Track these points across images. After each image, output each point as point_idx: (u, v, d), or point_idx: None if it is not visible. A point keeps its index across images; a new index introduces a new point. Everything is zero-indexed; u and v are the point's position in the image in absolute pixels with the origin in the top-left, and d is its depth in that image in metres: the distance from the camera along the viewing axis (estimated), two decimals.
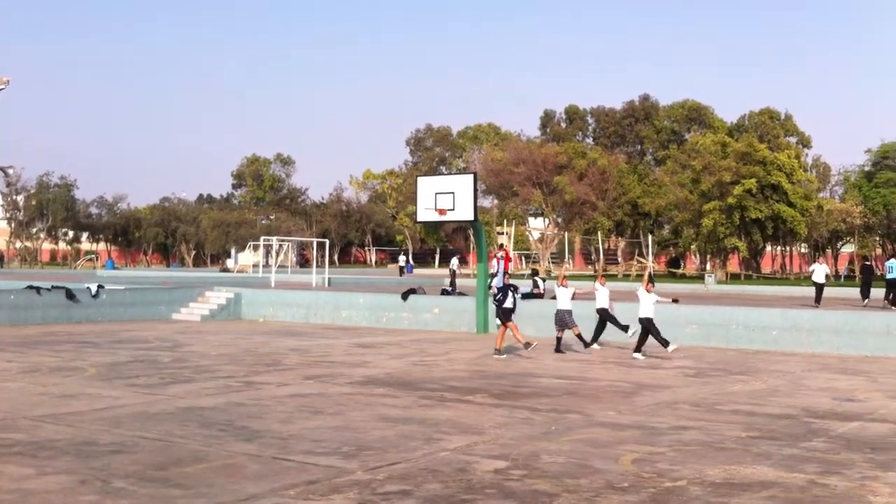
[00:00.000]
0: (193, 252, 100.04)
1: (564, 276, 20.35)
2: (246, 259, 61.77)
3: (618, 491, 7.85)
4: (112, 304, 28.90)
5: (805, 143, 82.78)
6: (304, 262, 78.94)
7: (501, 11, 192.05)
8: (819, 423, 11.52)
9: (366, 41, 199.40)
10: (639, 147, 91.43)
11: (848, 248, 77.70)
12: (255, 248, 59.59)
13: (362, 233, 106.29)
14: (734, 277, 60.13)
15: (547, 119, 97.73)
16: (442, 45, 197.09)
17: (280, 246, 56.61)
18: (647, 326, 18.67)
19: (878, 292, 29.63)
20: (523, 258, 76.51)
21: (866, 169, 64.86)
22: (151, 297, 30.60)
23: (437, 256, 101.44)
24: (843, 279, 58.63)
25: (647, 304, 18.64)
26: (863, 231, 68.21)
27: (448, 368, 17.02)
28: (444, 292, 30.33)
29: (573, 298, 20.07)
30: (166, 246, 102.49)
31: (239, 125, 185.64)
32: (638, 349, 18.82)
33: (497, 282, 25.65)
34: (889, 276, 27.88)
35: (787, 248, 74.30)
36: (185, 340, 22.08)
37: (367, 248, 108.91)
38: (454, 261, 36.94)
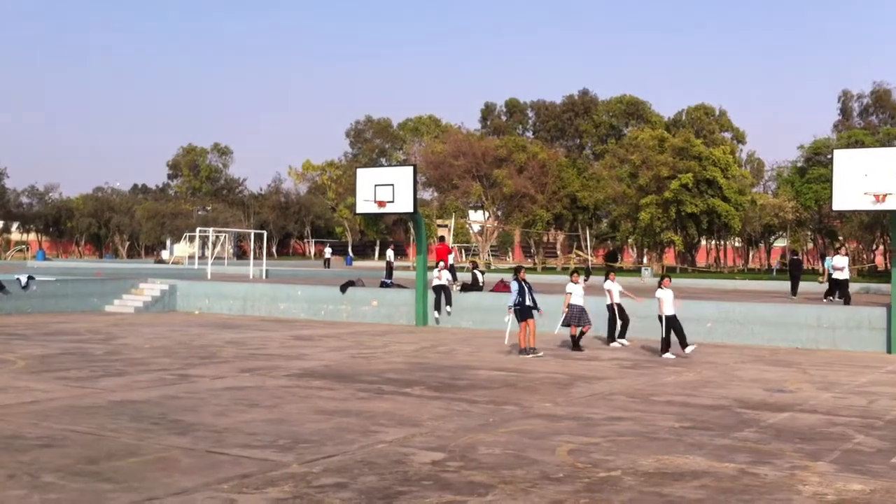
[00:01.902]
0: (127, 243, 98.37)
1: (577, 273, 19.76)
2: (181, 250, 60.96)
3: (553, 481, 7.90)
4: (43, 295, 28.27)
5: (740, 138, 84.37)
6: (241, 254, 78.16)
7: (442, 3, 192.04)
8: (750, 413, 11.73)
9: (305, 30, 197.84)
10: (578, 141, 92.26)
11: (780, 243, 79.36)
12: (191, 239, 58.78)
13: (301, 224, 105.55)
14: (670, 271, 61.02)
15: (487, 112, 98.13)
16: (382, 36, 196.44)
17: (217, 237, 55.94)
18: (671, 324, 18.21)
19: (806, 286, 30.33)
20: (464, 251, 76.73)
21: (799, 165, 66.23)
22: (83, 288, 30.00)
23: (377, 248, 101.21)
24: (775, 273, 59.91)
25: (669, 301, 18.25)
26: (795, 226, 69.68)
27: (386, 361, 16.98)
28: (384, 284, 30.25)
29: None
30: (99, 237, 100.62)
31: (175, 114, 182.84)
32: (684, 345, 18.22)
33: (445, 274, 25.66)
34: (832, 272, 28.58)
35: (722, 242, 75.62)
36: (118, 333, 21.69)
37: (306, 240, 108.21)
38: (390, 252, 36.93)
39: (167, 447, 9.07)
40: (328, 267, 58.59)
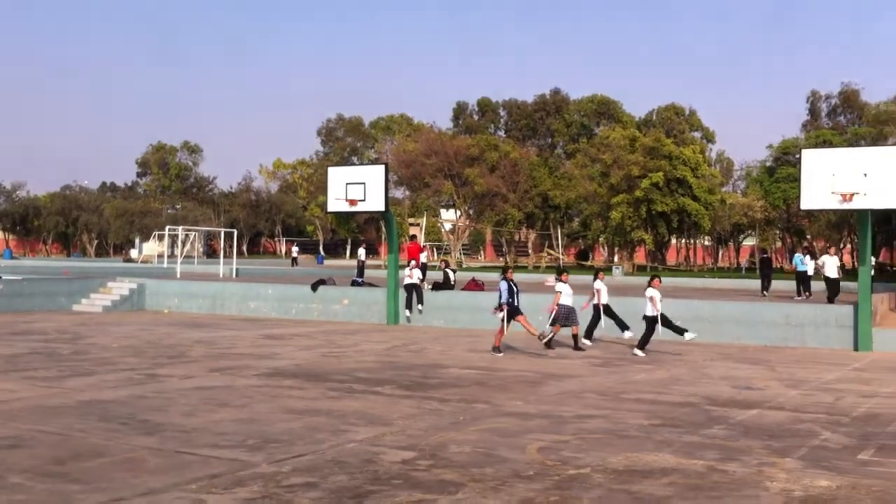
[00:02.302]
0: (96, 242, 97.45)
1: (566, 272, 19.62)
2: (150, 249, 60.42)
3: (523, 479, 7.92)
4: (9, 294, 27.92)
5: (709, 138, 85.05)
6: (211, 253, 77.69)
7: (414, 2, 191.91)
8: (719, 410, 11.82)
9: (277, 28, 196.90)
10: (549, 140, 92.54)
11: (749, 241, 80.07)
12: (161, 237, 58.30)
13: (272, 223, 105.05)
14: (640, 269, 61.37)
15: (459, 111, 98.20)
16: (355, 34, 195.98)
17: (186, 236, 55.56)
18: (653, 322, 18.21)
19: (777, 284, 30.60)
20: (435, 249, 76.73)
21: (767, 164, 66.85)
22: (51, 287, 29.68)
23: (349, 247, 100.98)
24: (744, 271, 60.42)
25: (658, 300, 18.23)
26: (764, 225, 70.34)
27: (357, 360, 16.93)
28: (355, 283, 30.17)
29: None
30: (67, 235, 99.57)
31: (144, 112, 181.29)
32: (641, 346, 18.37)
33: (417, 273, 25.63)
34: (800, 269, 28.84)
35: (692, 241, 76.18)
36: (85, 332, 21.47)
37: (276, 239, 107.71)
38: (361, 251, 36.80)
39: (135, 447, 8.99)
40: (295, 265, 58.31)
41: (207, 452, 8.80)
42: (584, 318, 19.90)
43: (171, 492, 7.36)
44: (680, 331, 18.62)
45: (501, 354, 17.85)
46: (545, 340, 18.82)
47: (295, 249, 67.81)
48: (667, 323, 18.61)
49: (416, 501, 7.20)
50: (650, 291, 18.36)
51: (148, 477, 7.83)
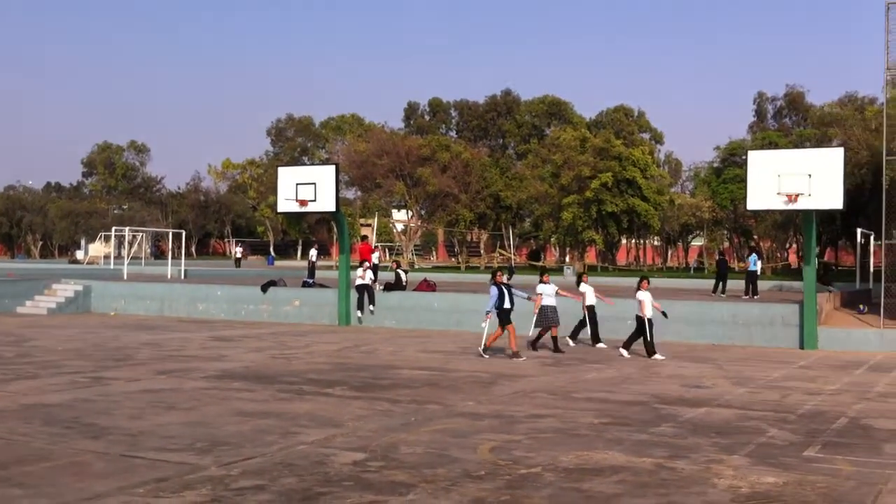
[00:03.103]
0: (40, 243, 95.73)
1: (546, 273, 19.55)
2: (97, 250, 59.54)
3: (474, 479, 7.91)
4: None
5: (658, 139, 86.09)
6: (159, 254, 76.66)
7: (364, 1, 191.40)
8: (668, 409, 11.94)
9: (226, 26, 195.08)
10: (501, 141, 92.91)
11: (697, 242, 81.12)
12: (107, 238, 57.44)
13: (221, 224, 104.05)
14: (591, 269, 61.82)
15: (411, 111, 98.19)
16: (304, 33, 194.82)
17: (133, 237, 54.80)
18: (647, 326, 18.05)
19: (733, 283, 31.04)
20: (387, 250, 76.58)
21: (715, 165, 67.79)
22: None
23: (300, 248, 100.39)
24: (692, 271, 61.20)
25: (649, 303, 18.14)
26: (711, 225, 71.32)
27: (308, 361, 16.82)
28: (306, 284, 29.99)
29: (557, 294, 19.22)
30: (11, 236, 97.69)
31: (90, 110, 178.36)
32: (627, 346, 18.33)
33: (369, 274, 25.56)
34: (750, 268, 29.28)
35: (641, 241, 76.96)
36: (30, 335, 21.06)
37: (226, 240, 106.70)
38: (313, 252, 36.51)
39: (80, 451, 8.83)
40: (239, 266, 57.55)
41: (154, 456, 8.67)
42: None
43: (118, 496, 7.24)
44: (651, 350, 18.26)
45: (487, 357, 17.52)
46: (531, 341, 18.91)
47: (238, 250, 66.96)
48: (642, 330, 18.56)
49: (367, 503, 7.16)
50: (640, 294, 18.22)
51: (93, 481, 7.69)
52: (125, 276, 35.44)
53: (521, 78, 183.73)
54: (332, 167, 25.08)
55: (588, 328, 20.18)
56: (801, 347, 20.43)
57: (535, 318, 18.95)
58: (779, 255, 68.05)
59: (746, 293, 28.21)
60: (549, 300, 18.83)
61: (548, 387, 13.85)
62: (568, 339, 20.24)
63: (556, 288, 19.38)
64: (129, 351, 18.04)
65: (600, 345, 19.94)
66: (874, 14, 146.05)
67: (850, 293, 29.55)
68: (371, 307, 25.07)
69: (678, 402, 12.48)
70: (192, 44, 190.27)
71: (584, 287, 20.16)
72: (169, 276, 37.49)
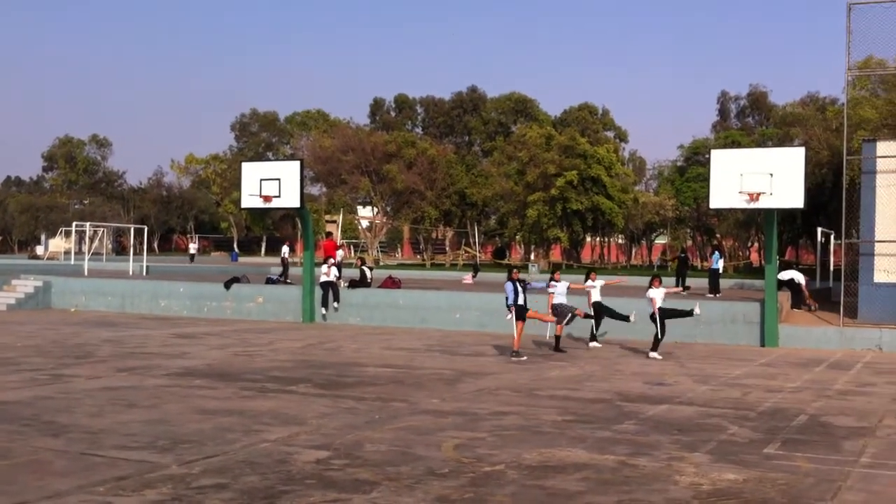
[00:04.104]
0: (0, 238, 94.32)
1: (558, 271, 19.22)
2: (57, 246, 58.77)
3: (438, 477, 7.91)
4: None
5: (622, 137, 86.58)
6: (120, 250, 75.81)
7: None
8: (631, 406, 12.01)
9: (189, 19, 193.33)
10: (467, 138, 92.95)
11: (661, 240, 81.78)
12: (68, 234, 56.71)
13: (184, 219, 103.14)
14: (556, 267, 62.05)
15: (376, 107, 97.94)
16: (269, 27, 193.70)
17: (94, 232, 54.16)
18: (654, 319, 18.02)
19: (693, 281, 31.31)
20: (352, 247, 76.38)
21: (679, 164, 68.36)
22: None
23: (264, 244, 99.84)
24: (656, 269, 61.65)
25: (661, 300, 18.09)
26: (675, 223, 71.93)
27: (271, 358, 16.72)
28: (269, 281, 29.78)
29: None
30: None
31: (51, 104, 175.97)
32: (654, 348, 18.05)
33: (333, 271, 25.41)
34: (714, 267, 29.55)
35: (606, 239, 77.39)
36: None
37: (189, 236, 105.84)
38: (285, 249, 36.09)
39: (39, 449, 8.72)
40: (192, 262, 56.83)
41: (115, 454, 8.58)
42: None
43: (77, 494, 7.15)
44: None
45: (525, 358, 17.18)
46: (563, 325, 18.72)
47: (193, 246, 66.22)
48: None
49: (330, 501, 7.13)
50: (651, 292, 18.14)
51: (53, 479, 7.60)
52: (86, 272, 35.05)
53: (487, 75, 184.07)
54: (297, 163, 24.92)
55: (593, 324, 19.94)
56: (763, 345, 20.65)
57: (552, 319, 18.52)
58: (741, 253, 68.77)
59: (710, 291, 28.46)
60: (560, 298, 18.59)
61: (512, 384, 13.88)
62: (592, 343, 19.79)
63: (568, 284, 19.17)
64: (90, 348, 17.83)
65: (594, 343, 19.74)
66: (836, 15, 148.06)
67: (811, 291, 29.87)
68: (335, 304, 24.98)
69: (641, 400, 12.56)
70: (156, 37, 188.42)
71: (590, 284, 19.95)
72: (130, 273, 37.12)
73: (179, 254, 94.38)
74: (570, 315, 18.81)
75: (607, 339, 20.61)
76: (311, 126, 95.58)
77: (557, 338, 18.88)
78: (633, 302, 21.10)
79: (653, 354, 17.88)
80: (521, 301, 17.46)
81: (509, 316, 17.57)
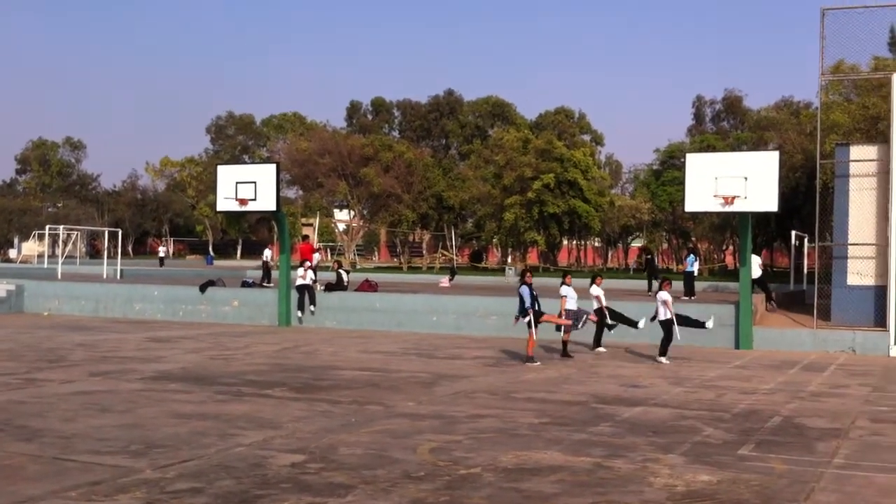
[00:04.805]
0: None
1: (569, 275, 19.05)
2: (30, 249, 58.28)
3: (414, 480, 7.90)
4: None
5: (599, 141, 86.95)
6: (94, 253, 75.33)
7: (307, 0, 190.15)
8: (607, 408, 12.05)
9: (164, 21, 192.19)
10: (444, 141, 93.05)
11: (637, 243, 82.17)
12: (41, 237, 56.22)
13: (159, 223, 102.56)
14: (533, 270, 62.14)
15: (353, 110, 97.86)
16: (246, 29, 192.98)
17: (68, 235, 53.77)
18: (669, 327, 17.88)
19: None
20: (329, 250, 76.21)
21: (654, 167, 68.69)
22: None
23: (240, 248, 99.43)
24: (632, 272, 61.98)
25: (670, 304, 17.91)
26: (651, 226, 72.28)
27: (246, 362, 16.64)
28: (245, 284, 29.64)
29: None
30: None
31: (24, 106, 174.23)
32: (663, 353, 17.93)
33: (310, 274, 25.33)
34: (689, 269, 29.69)
35: (582, 242, 77.66)
36: None
37: (164, 239, 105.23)
38: (267, 252, 35.78)
39: (12, 454, 8.64)
40: (162, 266, 56.30)
41: (88, 459, 8.51)
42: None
43: (50, 499, 7.10)
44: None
45: (538, 363, 16.99)
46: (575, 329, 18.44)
47: (162, 249, 65.68)
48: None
49: None
50: (662, 295, 18.02)
51: (26, 484, 7.53)
52: (59, 276, 34.74)
53: (464, 79, 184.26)
54: (273, 166, 24.84)
55: (598, 328, 19.81)
56: (737, 347, 20.79)
57: (563, 324, 18.14)
58: (716, 256, 69.21)
59: (685, 294, 28.61)
60: (571, 303, 18.31)
61: (488, 387, 13.90)
62: (598, 349, 19.70)
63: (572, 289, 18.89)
64: (63, 352, 17.67)
65: (600, 349, 19.63)
66: (810, 21, 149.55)
67: (785, 294, 30.15)
68: (312, 308, 24.91)
69: (616, 402, 12.60)
70: (131, 39, 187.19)
71: (595, 290, 19.75)
72: (104, 276, 36.85)
73: (154, 257, 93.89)
74: (584, 318, 18.66)
75: (613, 343, 20.43)
76: (287, 129, 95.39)
77: (565, 343, 18.56)
78: (645, 307, 20.99)
79: (660, 359, 17.81)
80: (536, 306, 17.19)
81: (525, 320, 17.15)
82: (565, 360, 18.02)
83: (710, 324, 18.89)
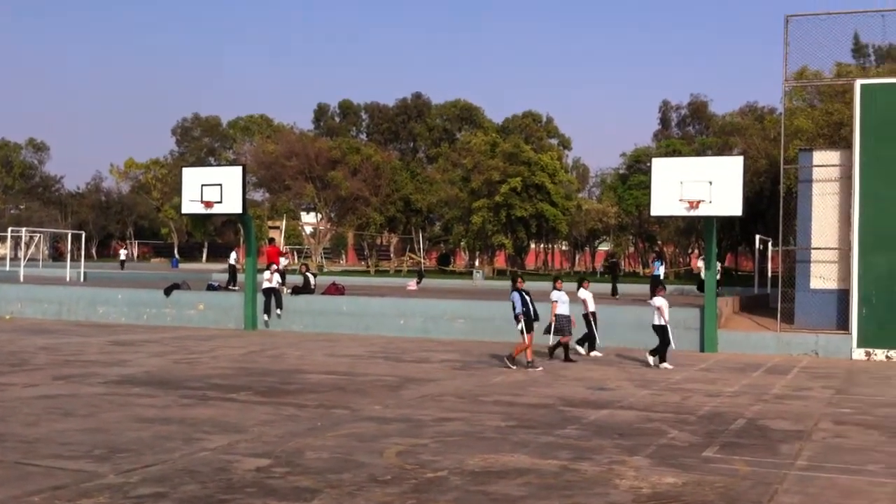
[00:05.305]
0: None
1: (560, 279, 18.83)
2: None
3: (380, 484, 7.87)
4: None
5: (566, 145, 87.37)
6: (57, 256, 74.45)
7: (273, 1, 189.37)
8: (573, 411, 12.09)
9: (127, 21, 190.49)
10: (412, 144, 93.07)
11: (604, 246, 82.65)
12: (3, 239, 55.51)
13: (123, 225, 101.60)
14: (501, 273, 62.36)
15: (321, 113, 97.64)
16: (212, 30, 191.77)
17: (31, 238, 53.09)
18: (662, 335, 17.77)
19: (630, 288, 31.68)
20: (296, 253, 75.88)
21: (621, 171, 69.12)
22: None
23: (206, 250, 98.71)
24: (599, 275, 62.26)
25: (666, 310, 17.84)
26: (617, 230, 72.75)
27: (212, 366, 16.51)
28: (211, 287, 29.42)
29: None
30: None
31: None
32: (663, 359, 17.69)
33: (276, 277, 25.16)
34: (655, 273, 29.95)
35: (550, 246, 77.97)
36: None
37: (128, 242, 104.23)
38: (233, 255, 35.47)
39: None
40: (123, 269, 55.72)
41: (51, 463, 8.40)
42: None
43: None
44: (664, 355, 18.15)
45: (541, 369, 16.77)
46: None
47: (123, 252, 65.05)
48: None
49: None
50: (657, 301, 17.95)
51: None
52: (21, 279, 34.33)
53: (432, 82, 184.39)
54: (239, 168, 24.69)
55: (589, 334, 19.71)
56: (702, 350, 20.95)
57: (552, 327, 17.97)
58: (682, 260, 69.79)
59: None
60: (563, 308, 18.04)
61: (456, 390, 13.89)
62: (576, 345, 19.58)
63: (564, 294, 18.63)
64: (26, 355, 17.43)
65: (595, 353, 19.52)
66: (774, 27, 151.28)
67: (749, 298, 30.45)
68: (278, 311, 24.77)
69: (583, 405, 12.65)
70: (95, 38, 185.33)
71: (583, 293, 19.73)
72: (68, 279, 36.46)
73: (117, 260, 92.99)
74: (566, 333, 18.28)
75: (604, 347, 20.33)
76: (254, 131, 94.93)
77: (552, 347, 18.54)
78: (609, 311, 21.05)
79: (651, 360, 17.79)
80: (531, 311, 16.99)
81: (520, 326, 16.99)
82: (568, 363, 17.92)
83: (663, 365, 18.70)
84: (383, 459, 8.84)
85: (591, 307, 19.78)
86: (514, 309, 17.05)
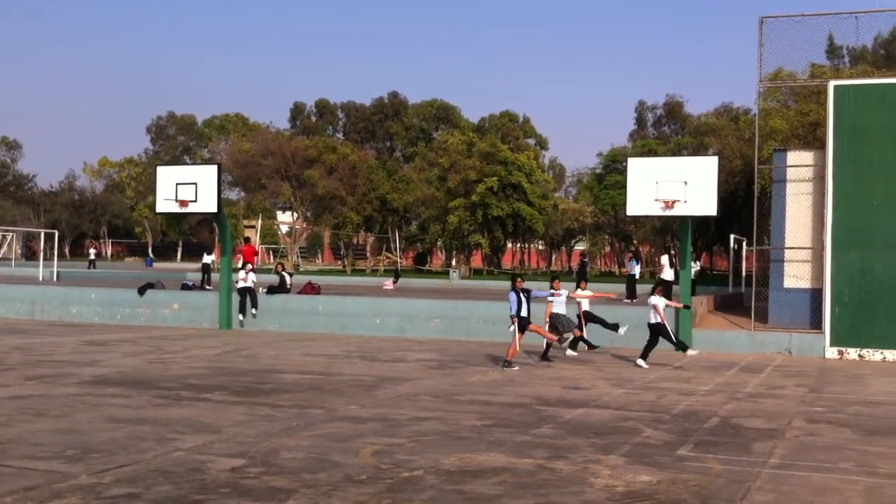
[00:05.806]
0: None
1: (557, 279, 18.90)
2: None
3: (356, 483, 7.85)
4: None
5: (543, 144, 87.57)
6: (30, 255, 73.76)
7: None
8: (549, 410, 12.12)
9: (104, 19, 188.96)
10: (388, 143, 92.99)
11: (581, 246, 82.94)
12: None
13: (97, 224, 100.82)
14: (477, 273, 62.49)
15: (297, 112, 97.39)
16: (188, 27, 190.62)
17: (3, 237, 52.61)
18: (659, 331, 17.80)
19: (612, 287, 31.78)
20: (271, 252, 75.61)
21: (597, 171, 69.39)
22: None
23: (180, 249, 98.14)
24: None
25: (662, 308, 17.83)
26: (593, 230, 73.01)
27: (186, 366, 16.41)
28: (185, 286, 29.26)
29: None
30: None
31: None
32: (644, 356, 17.75)
33: (251, 276, 25.06)
34: (631, 273, 30.07)
35: (526, 245, 78.11)
36: None
37: (102, 241, 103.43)
38: (210, 257, 35.25)
39: None
40: (93, 268, 55.14)
41: (22, 464, 8.31)
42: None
43: None
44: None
45: (517, 369, 16.69)
46: (565, 344, 18.52)
47: (92, 251, 64.46)
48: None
49: None
50: (654, 299, 17.89)
51: None
52: None
53: (409, 81, 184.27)
54: (214, 167, 24.58)
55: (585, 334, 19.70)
56: (677, 349, 21.02)
57: (546, 327, 18.04)
58: (657, 259, 70.15)
59: (627, 297, 28.92)
60: (559, 307, 18.20)
61: (432, 390, 13.88)
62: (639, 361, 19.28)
63: (567, 292, 18.86)
64: None
65: (571, 353, 19.47)
66: (749, 28, 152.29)
67: (724, 297, 30.64)
68: (253, 310, 24.66)
69: (559, 404, 12.68)
70: (69, 35, 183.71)
71: (579, 293, 19.80)
72: (40, 278, 36.14)
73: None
74: (569, 333, 18.44)
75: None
76: (229, 130, 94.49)
77: (548, 346, 18.44)
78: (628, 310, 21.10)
79: (639, 361, 17.74)
80: (524, 312, 16.95)
81: (512, 327, 17.03)
82: (545, 363, 17.92)
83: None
84: (359, 459, 8.82)
85: (586, 306, 19.89)
86: (510, 309, 17.08)
